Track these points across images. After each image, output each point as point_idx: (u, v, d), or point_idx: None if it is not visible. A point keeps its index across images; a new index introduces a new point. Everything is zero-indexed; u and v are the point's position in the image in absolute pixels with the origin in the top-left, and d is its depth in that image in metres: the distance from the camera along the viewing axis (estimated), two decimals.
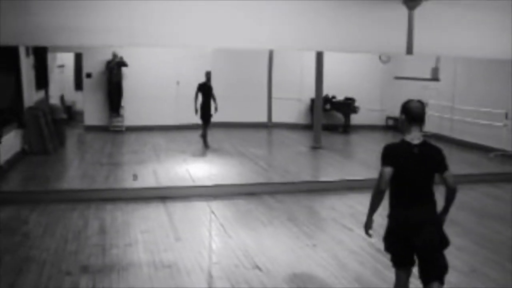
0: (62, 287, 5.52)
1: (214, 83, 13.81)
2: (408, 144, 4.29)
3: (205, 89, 13.59)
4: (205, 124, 13.76)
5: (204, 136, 13.84)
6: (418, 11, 8.69)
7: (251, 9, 8.06)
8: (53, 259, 6.26)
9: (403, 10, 8.65)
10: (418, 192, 4.35)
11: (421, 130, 4.33)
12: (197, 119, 13.81)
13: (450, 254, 6.20)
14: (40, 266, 6.01)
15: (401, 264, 4.59)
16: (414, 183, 4.33)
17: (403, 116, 4.35)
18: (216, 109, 13.63)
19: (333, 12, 8.56)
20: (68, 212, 8.14)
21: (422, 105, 4.39)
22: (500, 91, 13.38)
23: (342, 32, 8.73)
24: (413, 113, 4.31)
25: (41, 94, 14.12)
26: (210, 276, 5.97)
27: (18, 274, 5.80)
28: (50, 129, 12.64)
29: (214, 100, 13.61)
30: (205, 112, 13.62)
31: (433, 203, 4.39)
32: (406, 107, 4.35)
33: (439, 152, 4.38)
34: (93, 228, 7.44)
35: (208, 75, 13.66)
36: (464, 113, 14.30)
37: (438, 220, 4.43)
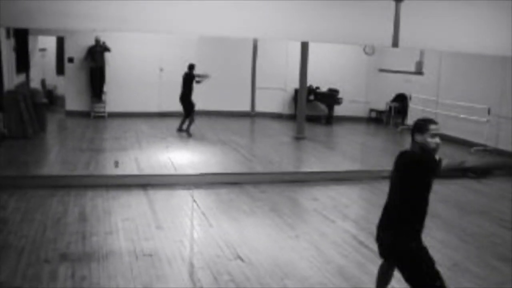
0: (41, 275, 5.42)
1: (198, 71, 13.71)
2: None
3: (185, 80, 13.55)
4: (185, 114, 13.72)
5: (184, 124, 13.75)
6: (405, 4, 8.67)
7: None
8: (32, 246, 6.16)
9: (390, 2, 8.63)
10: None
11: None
12: (180, 107, 13.77)
13: (432, 248, 6.20)
14: (18, 253, 5.90)
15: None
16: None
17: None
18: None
19: (320, 3, 8.51)
20: (48, 198, 8.02)
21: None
22: (483, 87, 13.45)
23: (328, 23, 8.68)
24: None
25: (21, 77, 13.91)
26: (191, 265, 5.91)
27: None
28: (31, 113, 12.45)
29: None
30: (183, 102, 13.60)
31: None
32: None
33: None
34: (73, 215, 7.34)
35: (192, 67, 13.58)
36: (447, 107, 14.36)
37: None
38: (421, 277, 4.10)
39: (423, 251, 4.16)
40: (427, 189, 4.11)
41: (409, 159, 4.18)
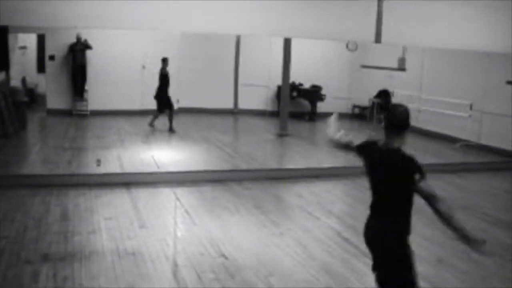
0: (22, 276, 5.33)
1: (180, 68, 13.64)
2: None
3: (160, 76, 13.52)
4: (158, 111, 13.74)
5: (152, 121, 13.84)
6: (387, 0, 8.69)
7: None
8: (12, 246, 6.06)
9: None
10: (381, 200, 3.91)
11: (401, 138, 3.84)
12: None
13: (416, 244, 6.20)
14: None
15: None
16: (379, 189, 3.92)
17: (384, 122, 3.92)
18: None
19: None
20: (29, 198, 7.91)
21: (406, 113, 3.92)
22: (465, 82, 13.53)
23: (311, 19, 8.69)
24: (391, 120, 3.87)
25: (1, 76, 13.71)
26: (175, 264, 5.86)
27: None
28: (11, 112, 12.30)
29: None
30: (158, 99, 13.59)
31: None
32: (389, 112, 3.94)
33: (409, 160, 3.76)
34: (54, 215, 7.24)
35: (164, 62, 13.56)
36: (430, 103, 14.42)
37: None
38: None
39: None
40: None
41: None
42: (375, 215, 3.96)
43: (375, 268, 4.06)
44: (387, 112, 3.96)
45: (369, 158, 4.00)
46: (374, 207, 3.96)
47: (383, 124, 3.94)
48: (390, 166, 3.80)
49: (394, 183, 3.79)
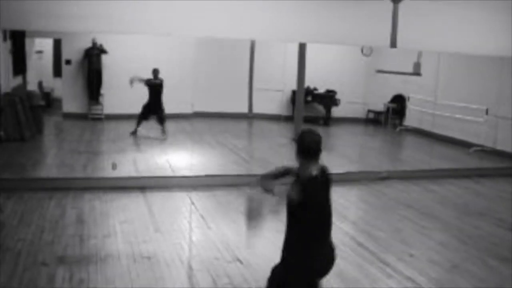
0: (38, 278, 5.39)
1: (195, 73, 13.70)
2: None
3: (151, 87, 13.50)
4: (140, 120, 13.70)
5: (135, 130, 13.70)
6: (402, 5, 8.66)
7: None
8: (29, 249, 6.13)
9: (388, 3, 8.63)
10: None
11: (317, 163, 3.92)
12: (179, 109, 13.76)
13: (431, 249, 6.20)
14: (15, 256, 5.87)
15: None
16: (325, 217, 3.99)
17: (296, 149, 3.90)
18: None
19: (317, 4, 8.51)
20: (45, 201, 7.98)
21: (318, 137, 3.90)
22: (481, 87, 13.45)
23: (326, 24, 8.68)
24: (307, 147, 3.87)
25: (18, 80, 13.86)
26: (190, 268, 5.89)
27: None
28: (28, 116, 12.42)
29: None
30: (148, 108, 13.59)
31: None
32: (300, 140, 3.90)
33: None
34: (70, 218, 7.30)
35: (155, 72, 13.50)
36: (446, 108, 14.35)
37: None
38: None
39: None
40: None
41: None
42: (321, 244, 4.04)
43: None
44: (300, 140, 3.90)
45: (305, 189, 3.84)
46: (316, 236, 3.99)
47: (297, 152, 3.92)
48: (328, 188, 4.01)
49: (330, 203, 3.99)
